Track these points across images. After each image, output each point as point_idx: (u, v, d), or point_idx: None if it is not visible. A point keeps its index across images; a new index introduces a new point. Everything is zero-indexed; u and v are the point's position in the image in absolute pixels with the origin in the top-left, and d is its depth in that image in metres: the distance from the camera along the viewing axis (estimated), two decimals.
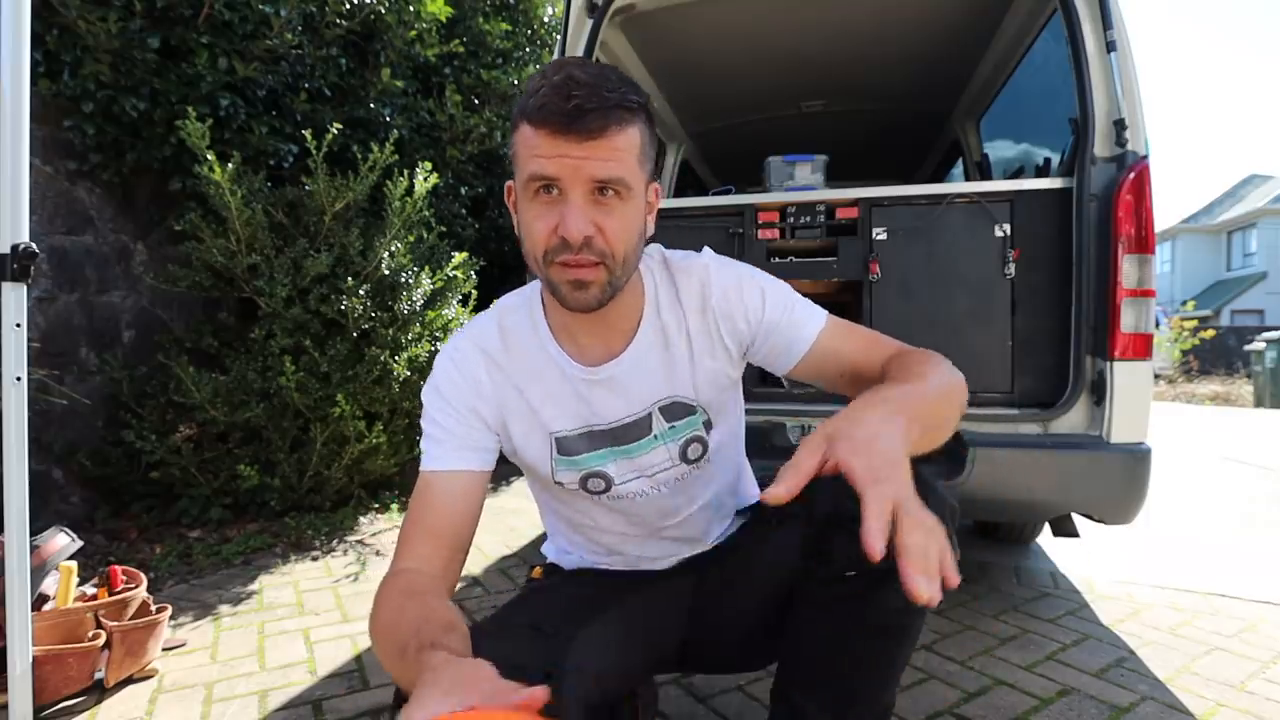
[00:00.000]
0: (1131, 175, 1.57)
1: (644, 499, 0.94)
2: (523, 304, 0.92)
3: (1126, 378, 1.57)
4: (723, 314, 0.90)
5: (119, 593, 1.55)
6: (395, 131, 3.18)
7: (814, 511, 0.82)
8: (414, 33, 3.43)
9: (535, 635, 0.80)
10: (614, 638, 0.87)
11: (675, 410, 0.91)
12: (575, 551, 1.05)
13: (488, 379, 0.89)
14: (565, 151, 0.71)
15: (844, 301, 2.25)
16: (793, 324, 0.89)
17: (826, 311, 0.91)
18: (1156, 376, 11.24)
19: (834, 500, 0.79)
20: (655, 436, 0.91)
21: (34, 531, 1.25)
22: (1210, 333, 13.42)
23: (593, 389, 0.89)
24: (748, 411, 1.08)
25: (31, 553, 1.23)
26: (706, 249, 0.95)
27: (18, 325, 1.16)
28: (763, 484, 1.10)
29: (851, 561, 0.77)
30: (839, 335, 0.89)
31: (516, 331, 0.90)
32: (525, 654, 0.72)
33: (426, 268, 2.99)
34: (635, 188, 0.76)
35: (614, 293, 0.79)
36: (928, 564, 0.50)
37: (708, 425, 0.93)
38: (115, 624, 1.45)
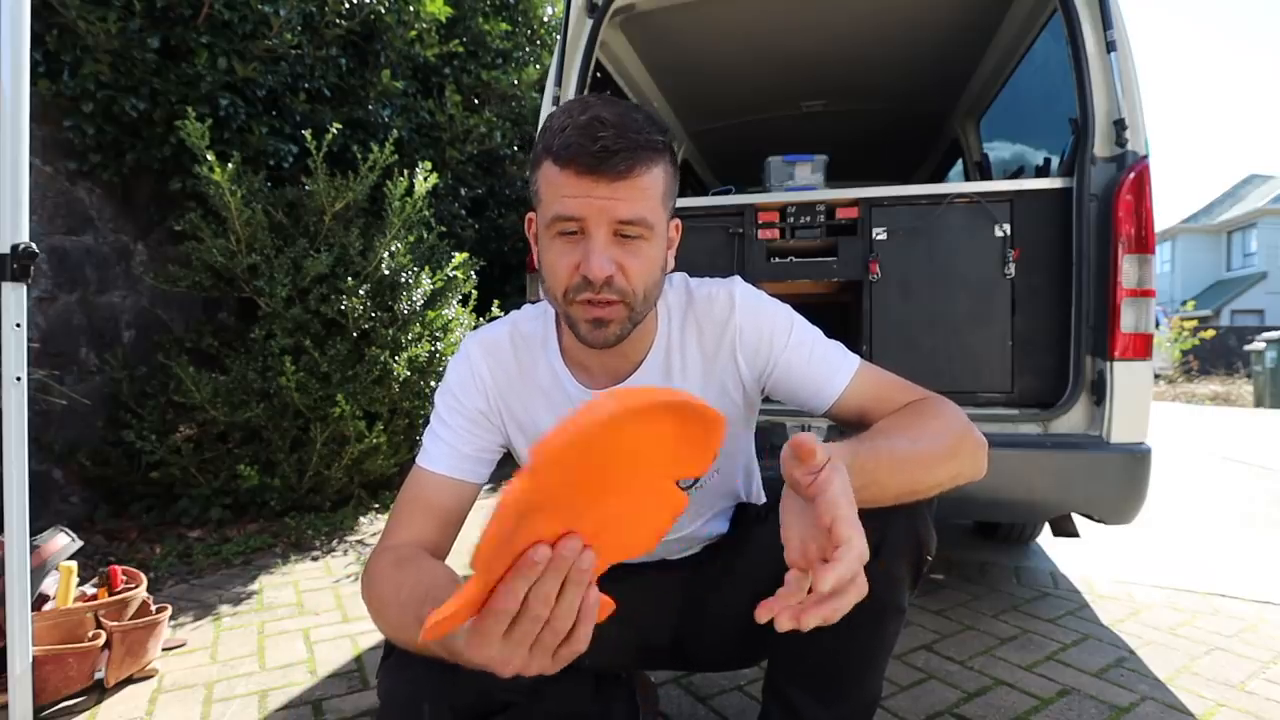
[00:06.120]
0: (1131, 175, 1.57)
1: None
2: (538, 318, 0.93)
3: (1126, 378, 1.57)
4: (743, 346, 0.89)
5: (119, 593, 1.55)
6: (395, 132, 3.17)
7: None
8: (414, 33, 3.43)
9: None
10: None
11: None
12: None
13: (493, 383, 0.90)
14: (590, 192, 0.71)
15: (844, 301, 2.25)
16: (818, 371, 0.87)
17: (858, 358, 0.88)
18: (1156, 376, 11.24)
19: None
20: None
21: (34, 531, 1.25)
22: (1210, 333, 13.42)
23: None
24: None
25: (31, 553, 1.23)
26: (737, 278, 0.93)
27: (18, 325, 1.16)
28: (765, 482, 1.10)
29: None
30: (865, 385, 0.86)
31: (528, 343, 0.92)
32: None
33: (426, 268, 2.99)
34: (657, 227, 0.76)
35: (633, 329, 0.80)
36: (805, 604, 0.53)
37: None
38: (115, 624, 1.45)
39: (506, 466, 0.94)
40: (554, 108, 2.02)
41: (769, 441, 1.74)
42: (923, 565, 0.82)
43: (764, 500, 1.08)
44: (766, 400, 0.96)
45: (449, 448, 0.87)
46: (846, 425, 0.88)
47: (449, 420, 0.89)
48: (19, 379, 1.16)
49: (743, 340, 0.89)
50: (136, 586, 1.59)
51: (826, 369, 0.87)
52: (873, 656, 0.85)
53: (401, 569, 0.72)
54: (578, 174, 0.71)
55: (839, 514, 0.54)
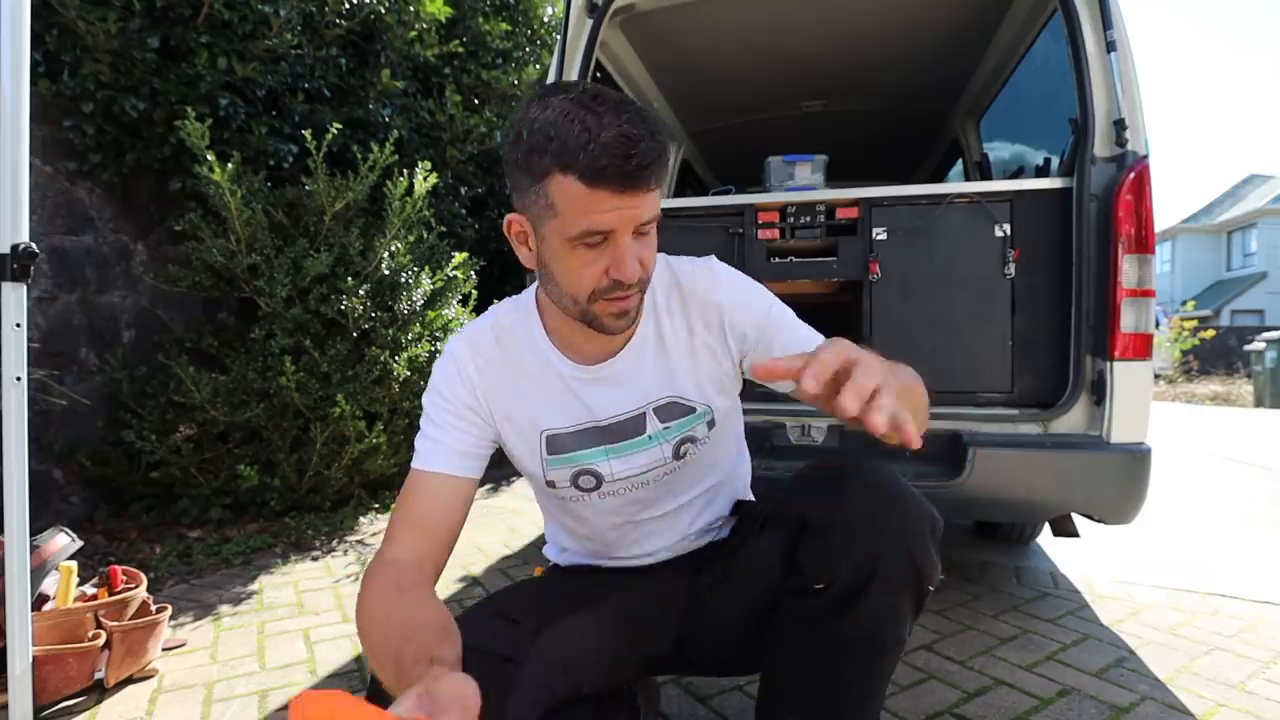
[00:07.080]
0: (1131, 175, 1.57)
1: (631, 492, 0.96)
2: (518, 308, 0.95)
3: (1126, 378, 1.57)
4: (728, 316, 0.92)
5: (119, 593, 1.55)
6: (395, 131, 3.18)
7: (786, 514, 0.87)
8: (414, 33, 3.43)
9: (502, 624, 0.83)
10: (594, 631, 0.90)
11: (671, 410, 0.93)
12: (570, 549, 1.07)
13: (480, 379, 0.91)
14: (623, 205, 0.73)
15: (844, 301, 2.25)
16: (800, 337, 0.91)
17: (823, 336, 0.92)
18: (1156, 376, 11.23)
19: (804, 506, 0.84)
20: (650, 437, 0.92)
21: (34, 531, 1.25)
22: (1210, 333, 13.42)
23: (587, 387, 0.91)
24: (746, 411, 1.09)
25: (31, 553, 1.23)
26: (712, 257, 0.97)
27: (18, 325, 1.16)
28: (763, 482, 1.11)
29: (819, 573, 0.80)
30: None
31: (512, 334, 0.93)
32: (488, 640, 0.75)
33: (426, 268, 2.99)
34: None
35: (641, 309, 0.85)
36: (865, 393, 0.55)
37: (710, 424, 0.95)
38: (115, 624, 1.45)
39: (505, 467, 0.94)
40: None
41: (770, 441, 1.74)
42: (925, 596, 0.82)
43: (749, 493, 1.10)
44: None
45: (440, 445, 0.88)
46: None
47: (437, 419, 0.90)
48: (19, 379, 1.16)
49: (725, 309, 0.92)
50: (136, 586, 1.59)
51: (806, 334, 0.92)
52: (871, 687, 0.85)
53: (400, 595, 0.73)
54: (612, 192, 0.71)
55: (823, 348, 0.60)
